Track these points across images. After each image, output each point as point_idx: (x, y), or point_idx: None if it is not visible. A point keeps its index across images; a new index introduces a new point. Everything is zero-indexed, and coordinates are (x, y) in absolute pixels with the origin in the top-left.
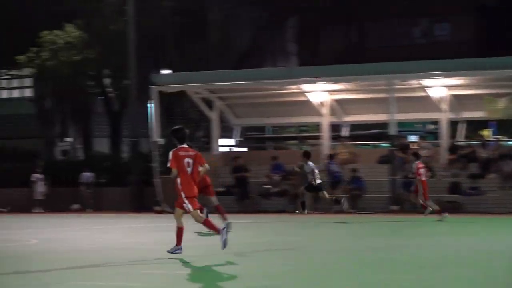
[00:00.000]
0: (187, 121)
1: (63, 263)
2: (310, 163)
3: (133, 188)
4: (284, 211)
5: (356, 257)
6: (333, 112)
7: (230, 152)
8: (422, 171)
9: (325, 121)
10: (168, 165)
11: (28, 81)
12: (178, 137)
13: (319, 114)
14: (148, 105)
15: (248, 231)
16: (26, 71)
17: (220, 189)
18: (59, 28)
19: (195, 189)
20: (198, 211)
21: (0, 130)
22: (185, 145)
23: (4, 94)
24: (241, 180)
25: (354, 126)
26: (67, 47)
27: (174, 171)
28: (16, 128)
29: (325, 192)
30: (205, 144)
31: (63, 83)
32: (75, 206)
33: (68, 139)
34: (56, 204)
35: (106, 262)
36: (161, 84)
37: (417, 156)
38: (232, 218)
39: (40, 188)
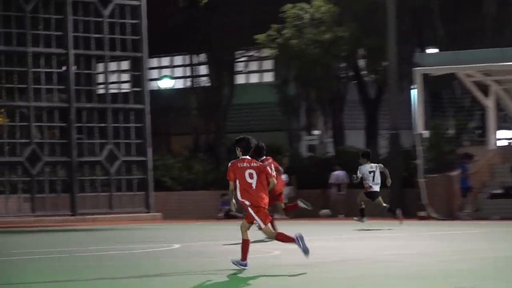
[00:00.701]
0: (457, 110)
1: (307, 277)
2: (368, 165)
3: (392, 190)
4: None
5: None
6: None
7: (510, 146)
8: None
9: None
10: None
11: (268, 64)
12: (241, 148)
13: None
14: (411, 91)
15: None
16: (266, 52)
17: (497, 191)
18: (305, 1)
19: (258, 200)
20: (270, 226)
21: (236, 122)
22: (247, 157)
23: (241, 79)
24: None
25: None
26: (314, 23)
27: (231, 184)
28: (254, 120)
29: (380, 199)
30: (479, 137)
31: (310, 66)
32: (325, 212)
33: (316, 132)
34: (302, 208)
35: (363, 277)
36: (426, 65)
37: None
38: (508, 226)
39: (284, 190)
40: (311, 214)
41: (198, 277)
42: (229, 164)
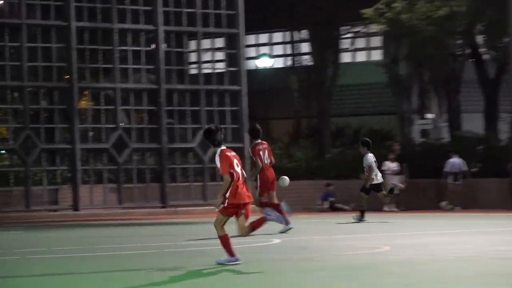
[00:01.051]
0: None
1: (422, 276)
2: (370, 154)
3: None
4: None
5: None
6: None
7: None
8: None
9: None
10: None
11: (376, 41)
12: (211, 139)
13: None
14: None
15: None
16: (375, 27)
17: None
18: None
19: (244, 195)
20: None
21: (341, 104)
22: (223, 147)
23: (347, 58)
24: None
25: None
26: None
27: (226, 177)
28: (360, 102)
29: (384, 193)
30: None
31: (423, 43)
32: (444, 204)
33: (429, 116)
34: (414, 200)
35: (479, 275)
36: None
37: None
38: None
39: (394, 179)
40: (425, 205)
41: (298, 276)
42: (219, 155)
